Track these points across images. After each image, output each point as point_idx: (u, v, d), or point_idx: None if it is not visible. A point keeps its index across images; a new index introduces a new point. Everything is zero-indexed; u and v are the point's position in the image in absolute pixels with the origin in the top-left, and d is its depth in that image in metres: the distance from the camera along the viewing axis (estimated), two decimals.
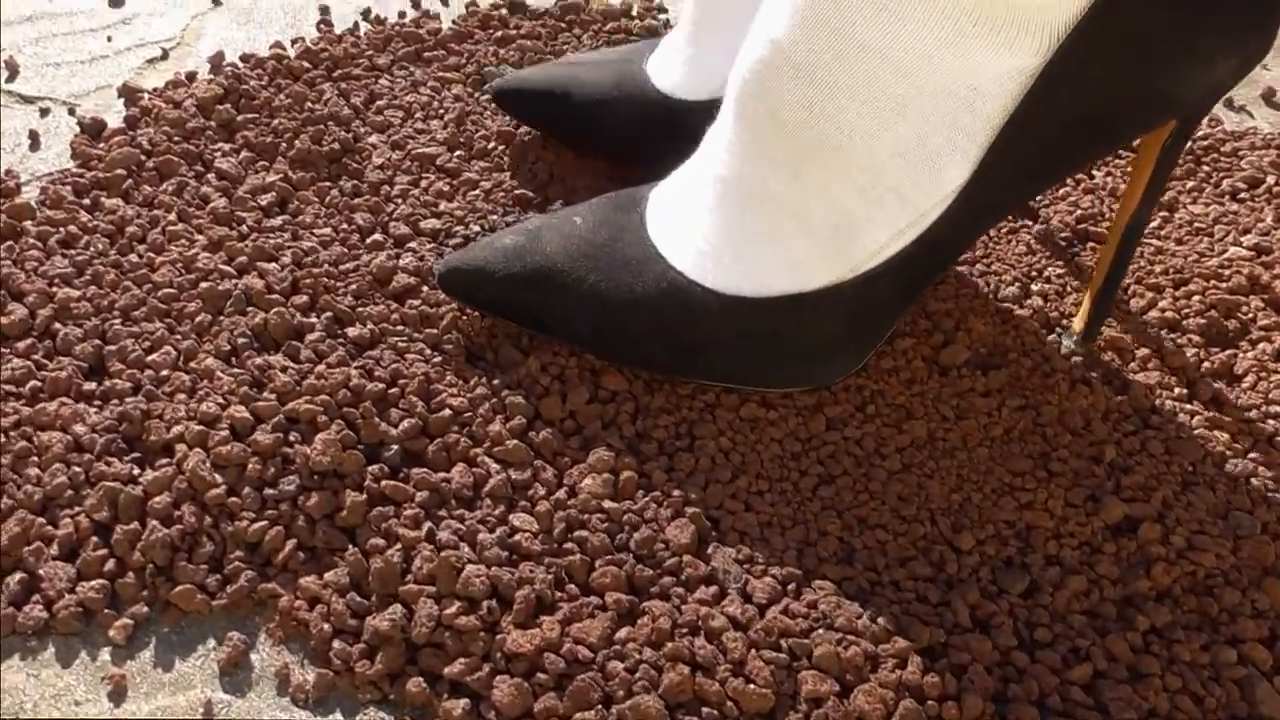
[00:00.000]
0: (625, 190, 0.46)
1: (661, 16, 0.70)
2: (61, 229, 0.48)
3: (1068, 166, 0.37)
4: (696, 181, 0.42)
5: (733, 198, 0.40)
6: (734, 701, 0.32)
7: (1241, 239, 0.55)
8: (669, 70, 0.51)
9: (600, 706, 0.32)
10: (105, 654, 0.34)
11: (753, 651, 0.33)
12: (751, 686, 0.32)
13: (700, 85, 0.50)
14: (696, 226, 0.41)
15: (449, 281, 0.43)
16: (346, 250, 0.49)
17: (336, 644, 0.34)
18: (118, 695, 0.33)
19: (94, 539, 0.36)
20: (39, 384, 0.41)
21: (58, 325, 0.44)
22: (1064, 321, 0.48)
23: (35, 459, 0.38)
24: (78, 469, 0.38)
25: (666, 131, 0.50)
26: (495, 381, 0.43)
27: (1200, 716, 0.33)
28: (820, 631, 0.34)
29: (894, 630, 0.35)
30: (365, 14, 0.69)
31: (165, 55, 0.65)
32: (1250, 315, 0.50)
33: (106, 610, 0.35)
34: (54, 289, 0.45)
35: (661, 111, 0.51)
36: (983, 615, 0.36)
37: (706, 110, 0.48)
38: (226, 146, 0.54)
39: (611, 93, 0.52)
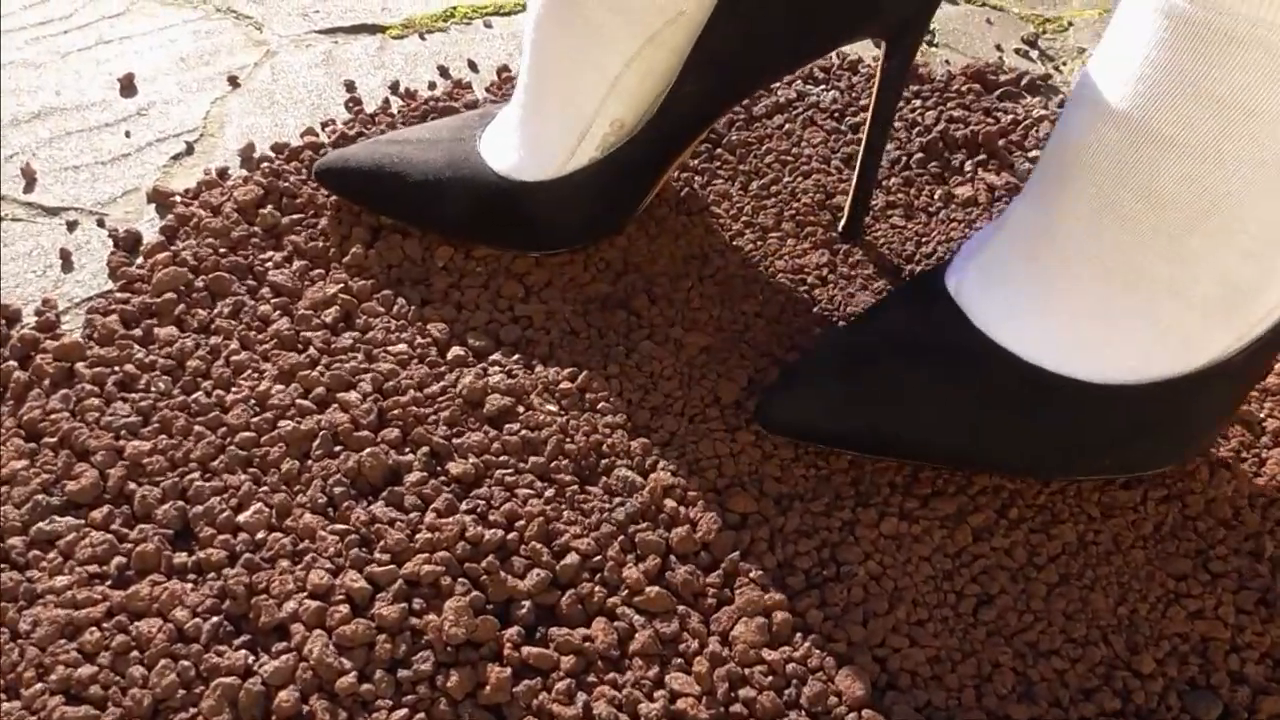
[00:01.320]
0: (908, 289, 0.45)
1: None
2: (117, 368, 0.44)
3: None
4: (1028, 264, 0.40)
5: (1096, 279, 0.38)
6: None
7: None
8: (505, 151, 0.49)
9: None
10: None
11: None
12: None
13: (541, 166, 0.48)
14: (1050, 313, 0.40)
15: (779, 423, 0.43)
16: (429, 370, 0.46)
17: None
18: None
19: None
20: (123, 559, 0.37)
21: (132, 486, 0.40)
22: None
23: (137, 653, 0.35)
24: (186, 662, 0.34)
25: (504, 213, 0.49)
26: (618, 515, 0.40)
27: None
28: None
29: None
30: (394, 87, 0.66)
31: (190, 149, 0.61)
32: None
33: None
34: (121, 442, 0.41)
35: (498, 193, 0.49)
36: None
37: (548, 190, 0.48)
38: (277, 256, 0.51)
39: (444, 173, 0.50)
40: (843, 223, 0.55)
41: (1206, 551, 0.40)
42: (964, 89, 0.67)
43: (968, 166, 0.61)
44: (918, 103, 0.66)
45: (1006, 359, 0.40)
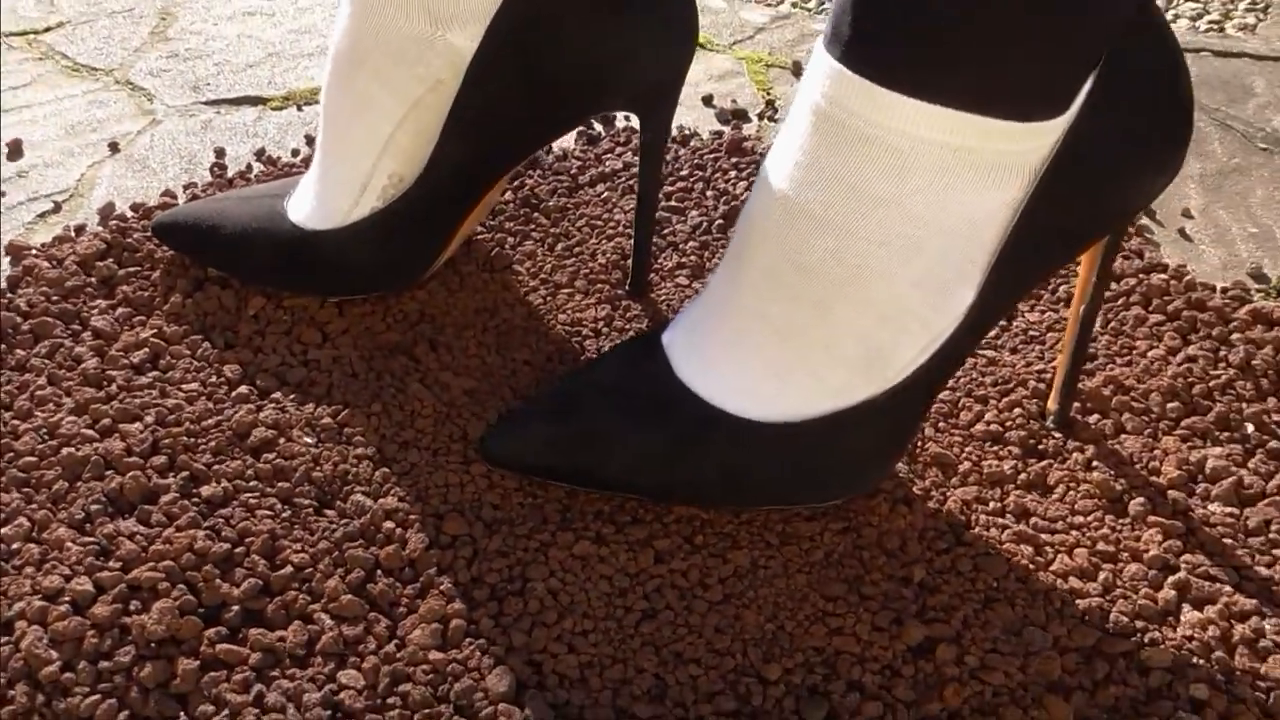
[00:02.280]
0: (635, 340, 0.51)
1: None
2: None
3: (1047, 271, 0.43)
4: (718, 322, 0.46)
5: (767, 336, 0.44)
6: None
7: None
8: (302, 204, 0.56)
9: None
10: None
11: None
12: None
13: (326, 216, 0.55)
14: (732, 363, 0.45)
15: (495, 457, 0.48)
16: (212, 405, 0.51)
17: None
18: None
19: None
20: None
21: None
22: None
23: None
24: None
25: (300, 260, 0.55)
26: (339, 534, 0.45)
27: None
28: None
29: None
30: (259, 154, 0.73)
31: (57, 208, 0.68)
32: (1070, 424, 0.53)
33: None
34: None
35: (291, 241, 0.55)
36: None
37: (334, 237, 0.54)
38: (104, 304, 0.57)
39: (251, 225, 0.56)
40: (629, 281, 0.61)
41: (863, 577, 0.45)
42: None
43: None
44: (733, 174, 0.72)
45: (696, 404, 0.45)
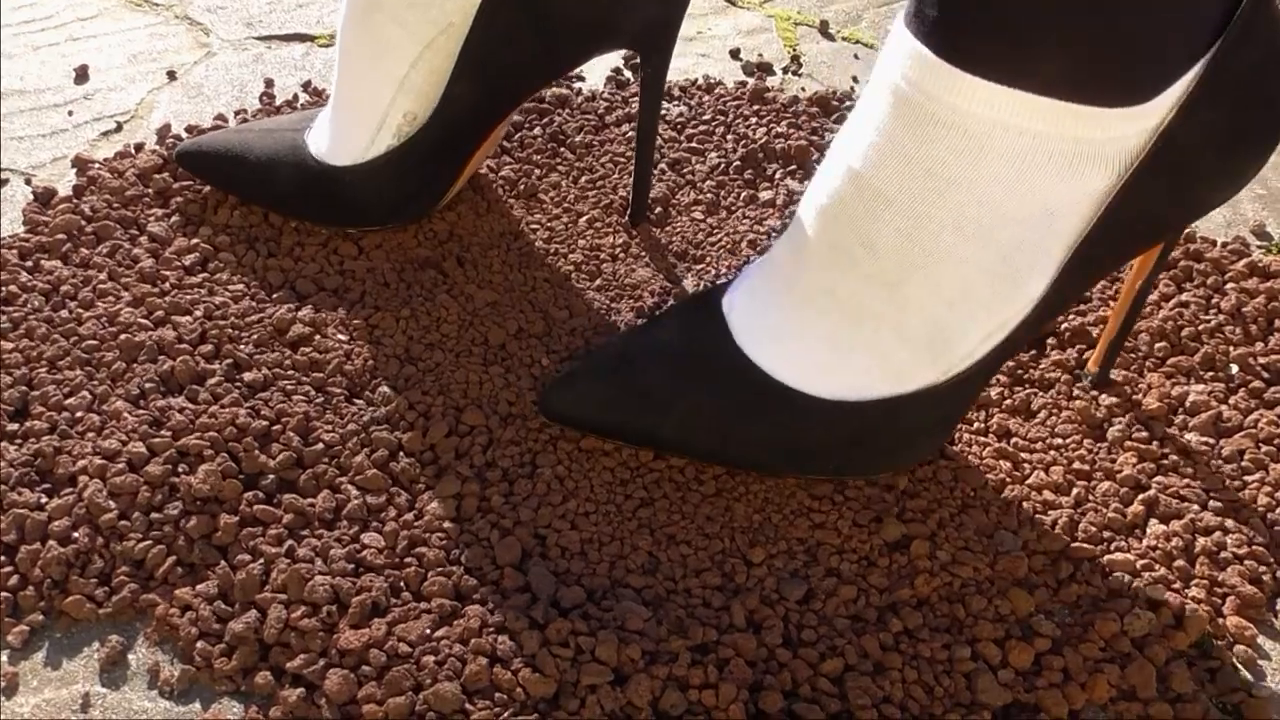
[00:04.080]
0: (693, 300, 0.51)
1: (578, 85, 0.77)
2: (3, 289, 0.55)
3: (1121, 264, 0.44)
4: (781, 293, 0.46)
5: (830, 312, 0.44)
6: (522, 688, 0.38)
7: None
8: (321, 140, 0.59)
9: (411, 692, 0.38)
10: (3, 656, 0.40)
11: (545, 648, 0.39)
12: (537, 675, 0.38)
13: (347, 151, 0.58)
14: (793, 337, 0.45)
15: (554, 413, 0.49)
16: (255, 304, 0.56)
17: (200, 644, 0.40)
18: (10, 690, 0.39)
19: (1, 558, 0.43)
20: None
21: None
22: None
23: None
24: None
25: (320, 192, 0.58)
26: (366, 418, 0.49)
27: (929, 703, 0.39)
28: (606, 631, 0.40)
29: (674, 630, 0.41)
30: (305, 85, 0.77)
31: (119, 128, 0.72)
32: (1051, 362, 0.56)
33: (8, 619, 0.41)
34: None
35: (313, 175, 0.58)
36: (758, 618, 0.42)
37: (353, 173, 0.57)
38: (160, 212, 0.62)
39: (274, 157, 0.59)
40: (629, 211, 0.64)
41: (848, 482, 0.48)
42: (802, 111, 0.76)
43: (778, 175, 0.70)
44: (753, 120, 0.75)
45: (755, 374, 0.46)
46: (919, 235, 0.41)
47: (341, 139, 0.58)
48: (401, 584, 0.42)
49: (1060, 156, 0.38)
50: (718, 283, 0.60)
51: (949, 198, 0.40)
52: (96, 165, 0.66)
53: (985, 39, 0.37)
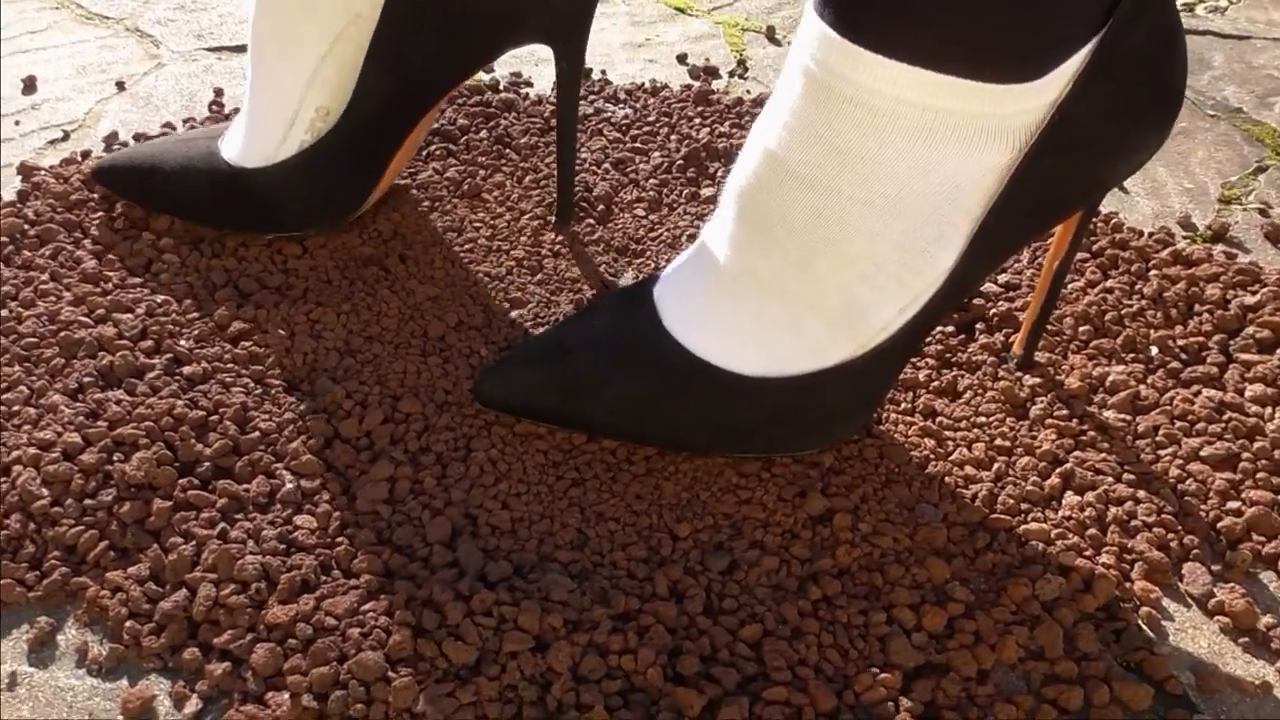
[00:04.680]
0: (625, 289, 0.52)
1: (525, 90, 0.79)
2: None
3: (1030, 239, 0.45)
4: (708, 277, 0.47)
5: (753, 292, 0.45)
6: (444, 655, 0.39)
7: (996, 275, 0.63)
8: (233, 142, 0.59)
9: (335, 663, 0.39)
10: None
11: (468, 618, 0.40)
12: (459, 643, 0.39)
13: (257, 152, 0.57)
14: (717, 318, 0.46)
15: (487, 399, 0.50)
16: (195, 303, 0.56)
17: (130, 624, 0.41)
18: None
19: None
20: None
21: None
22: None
23: None
24: None
25: (234, 197, 0.58)
26: (304, 408, 0.50)
27: (843, 665, 0.40)
28: (529, 601, 0.41)
29: (597, 600, 0.41)
30: None
31: (66, 136, 0.73)
32: (979, 345, 0.57)
33: None
34: None
35: (225, 179, 0.58)
36: (680, 588, 0.43)
37: (266, 175, 0.57)
38: (104, 216, 0.62)
39: (186, 165, 0.59)
40: (555, 209, 0.65)
41: (773, 460, 0.49)
42: (746, 112, 0.78)
43: (720, 173, 0.71)
44: (697, 120, 0.77)
45: (682, 354, 0.47)
46: (830, 212, 0.42)
47: (253, 138, 0.58)
48: (332, 562, 0.43)
49: (962, 131, 0.39)
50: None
51: (857, 173, 0.41)
52: (42, 172, 0.66)
53: (885, 18, 0.38)
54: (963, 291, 0.45)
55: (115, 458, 0.46)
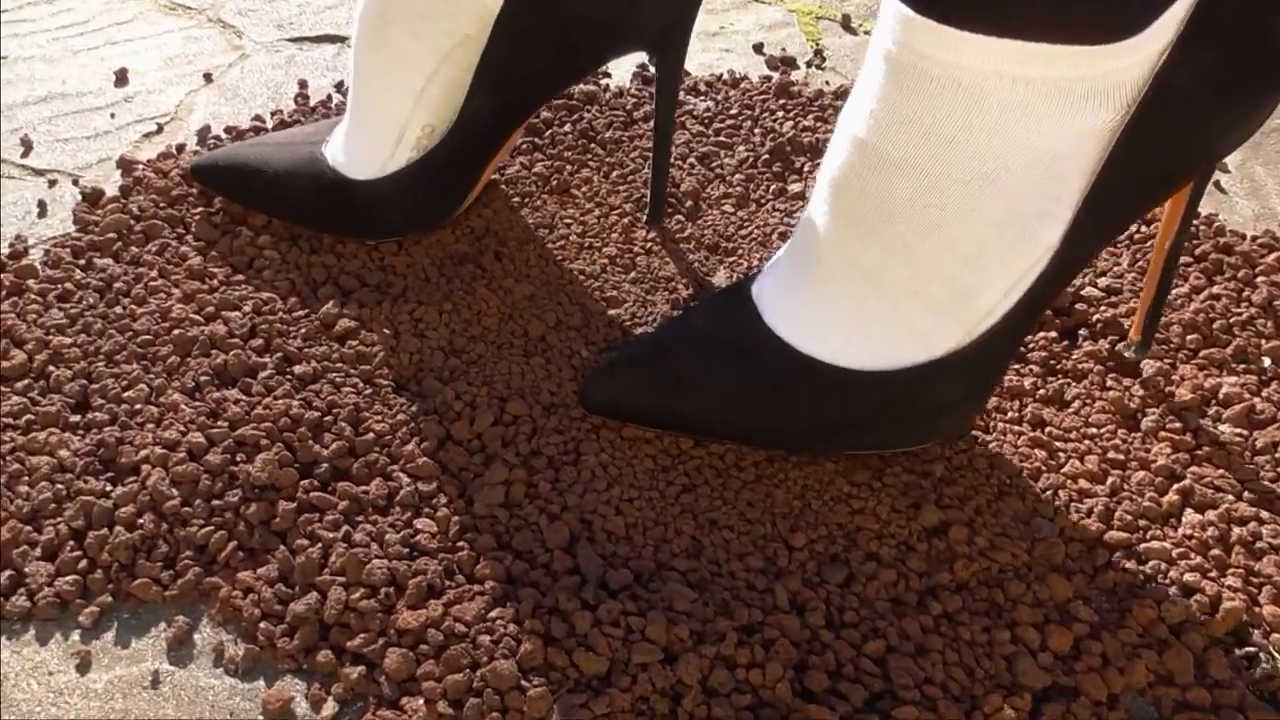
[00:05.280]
0: (724, 290, 0.52)
1: (604, 82, 0.78)
2: (59, 286, 0.57)
3: (1138, 213, 0.43)
4: (805, 272, 0.46)
5: (854, 283, 0.44)
6: (576, 666, 0.39)
7: (1097, 280, 0.62)
8: (339, 153, 0.59)
9: (468, 670, 0.39)
10: (76, 635, 0.42)
11: (596, 628, 0.40)
12: (590, 653, 0.39)
13: (365, 165, 0.58)
14: (818, 313, 0.46)
15: (594, 405, 0.50)
16: (299, 300, 0.57)
17: (264, 625, 0.42)
18: (84, 667, 0.41)
19: (71, 543, 0.44)
20: (33, 418, 0.49)
21: (51, 368, 0.52)
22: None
23: (26, 478, 0.46)
24: (60, 486, 0.46)
25: (339, 205, 0.59)
26: (415, 409, 0.51)
27: (970, 684, 0.40)
28: (655, 611, 0.41)
29: (720, 611, 0.42)
30: (338, 86, 0.78)
31: (160, 129, 0.74)
32: (1084, 353, 0.56)
33: (78, 600, 0.43)
34: (49, 337, 0.54)
35: (332, 189, 0.58)
36: (801, 600, 0.43)
37: (373, 186, 0.57)
38: (205, 211, 0.63)
39: (293, 170, 0.60)
40: (647, 211, 0.64)
41: (885, 468, 0.49)
42: (828, 104, 0.77)
43: (806, 167, 0.71)
44: (780, 114, 0.76)
45: (786, 351, 0.46)
46: (929, 196, 0.41)
47: (360, 153, 0.59)
48: (455, 567, 0.43)
49: (1056, 98, 0.38)
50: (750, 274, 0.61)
51: (952, 154, 0.40)
52: (141, 166, 0.67)
53: None
54: (1070, 270, 0.43)
55: (238, 458, 0.47)
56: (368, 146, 0.59)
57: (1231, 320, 0.59)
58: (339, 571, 0.43)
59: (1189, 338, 0.57)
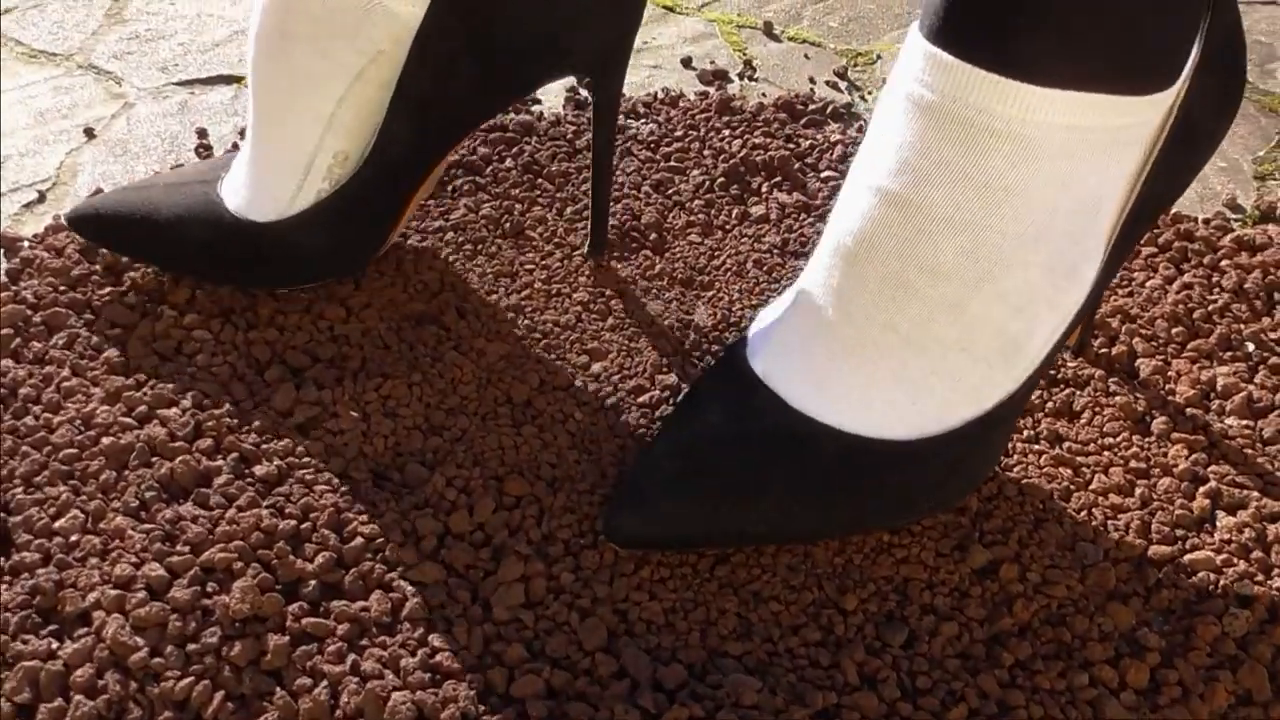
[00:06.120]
0: (717, 371, 0.47)
1: (535, 109, 0.73)
2: None
3: (1142, 236, 0.45)
4: (826, 342, 0.43)
5: (893, 348, 0.42)
6: None
7: None
8: (238, 191, 0.53)
9: None
10: None
11: None
12: None
13: (269, 204, 0.52)
14: (856, 386, 0.43)
15: (628, 539, 0.43)
16: (246, 387, 0.51)
17: None
18: None
19: None
20: None
21: None
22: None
23: None
24: None
25: (242, 251, 0.53)
26: (403, 503, 0.45)
27: None
28: (725, 711, 0.37)
29: (791, 699, 0.38)
30: (242, 132, 0.71)
31: (42, 198, 0.65)
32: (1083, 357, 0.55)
33: None
34: None
35: (233, 233, 0.52)
36: (869, 671, 0.40)
37: (281, 228, 0.51)
38: (113, 291, 0.55)
39: (185, 215, 0.53)
40: (587, 243, 0.60)
41: None
42: (772, 118, 0.74)
43: (764, 188, 0.68)
44: (726, 132, 0.73)
45: (829, 436, 0.43)
46: (982, 250, 0.40)
47: (263, 189, 0.52)
48: (488, 688, 0.38)
49: (1104, 146, 0.39)
50: (736, 309, 0.58)
51: (1007, 206, 0.39)
52: (28, 243, 0.59)
53: (1022, 43, 0.37)
54: (1095, 302, 0.45)
55: (209, 588, 0.41)
56: (272, 181, 0.52)
57: (1210, 308, 0.59)
58: (356, 713, 0.37)
59: (1174, 331, 0.57)
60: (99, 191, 0.64)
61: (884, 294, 0.42)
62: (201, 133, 0.71)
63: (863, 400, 0.43)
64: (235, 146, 0.69)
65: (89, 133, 0.71)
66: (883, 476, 0.43)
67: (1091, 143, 0.39)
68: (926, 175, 0.40)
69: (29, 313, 0.54)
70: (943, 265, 0.40)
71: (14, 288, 0.55)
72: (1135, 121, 0.39)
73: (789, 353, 0.45)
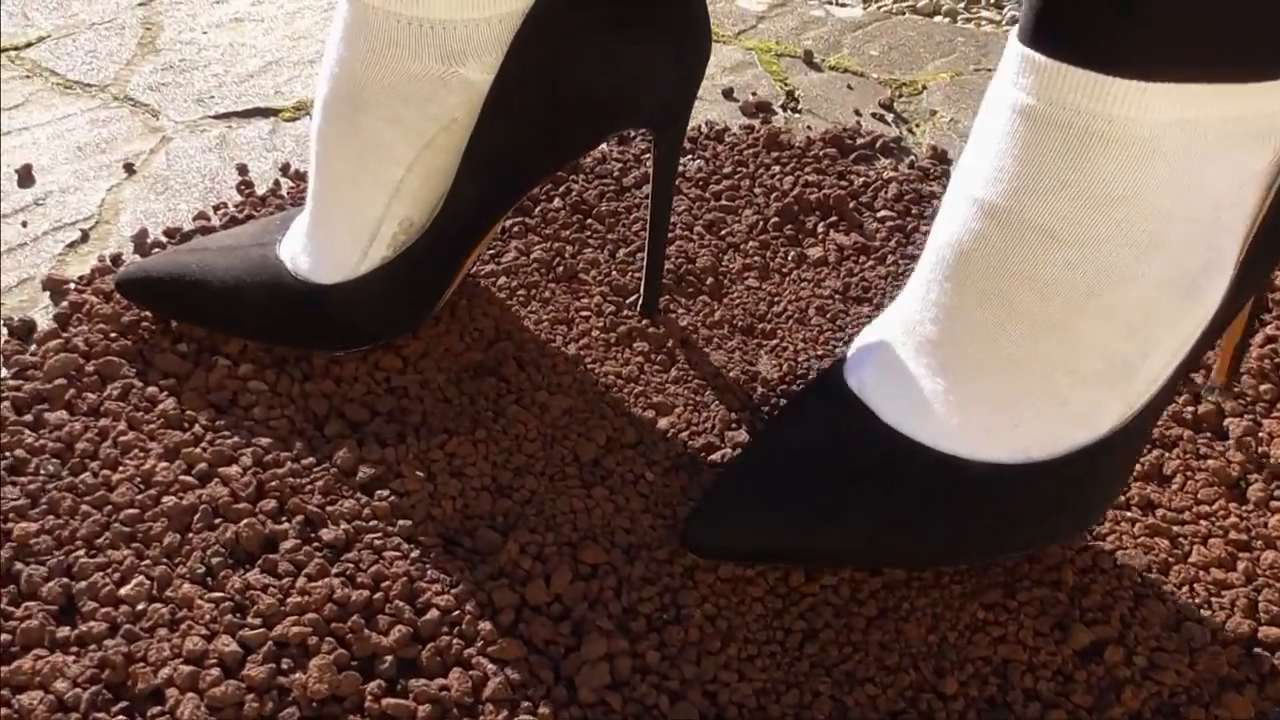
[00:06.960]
0: (813, 392, 0.46)
1: None
2: (8, 454, 0.47)
3: None
4: (924, 361, 0.42)
5: (991, 367, 0.40)
6: None
7: None
8: (300, 255, 0.52)
9: None
10: None
11: None
12: None
13: (334, 268, 0.51)
14: (952, 403, 0.41)
15: (709, 549, 0.43)
16: (306, 443, 0.49)
17: None
18: None
19: None
20: (8, 636, 0.40)
21: (19, 565, 0.42)
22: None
23: None
24: None
25: (305, 315, 0.51)
26: (477, 572, 0.43)
27: None
28: None
29: None
30: (284, 169, 0.70)
31: (85, 237, 0.64)
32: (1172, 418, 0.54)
33: None
34: (9, 524, 0.44)
35: (295, 297, 0.51)
36: None
37: (344, 291, 0.50)
38: (165, 341, 0.54)
39: (244, 279, 0.52)
40: (640, 300, 0.58)
41: (1013, 584, 0.45)
42: (821, 154, 0.73)
43: (820, 228, 0.66)
44: (776, 169, 0.71)
45: (923, 454, 0.41)
46: (1089, 263, 0.38)
47: (327, 254, 0.51)
48: None
49: (1221, 141, 0.36)
50: (802, 359, 0.56)
51: (1117, 215, 0.37)
52: (74, 286, 0.57)
53: (1125, 39, 0.35)
54: (1226, 324, 0.40)
55: (284, 664, 0.39)
56: (336, 247, 0.51)
57: None
58: None
59: (1263, 388, 0.55)
60: (143, 233, 0.62)
61: (985, 311, 0.40)
62: (242, 168, 0.69)
63: (960, 420, 0.41)
64: (276, 184, 0.67)
65: (128, 168, 0.69)
66: (978, 500, 0.41)
67: (1211, 139, 0.36)
68: (1024, 183, 0.38)
69: (81, 361, 0.52)
70: (1046, 280, 0.38)
71: (63, 334, 0.54)
72: (1252, 113, 0.35)
73: (885, 369, 0.44)
